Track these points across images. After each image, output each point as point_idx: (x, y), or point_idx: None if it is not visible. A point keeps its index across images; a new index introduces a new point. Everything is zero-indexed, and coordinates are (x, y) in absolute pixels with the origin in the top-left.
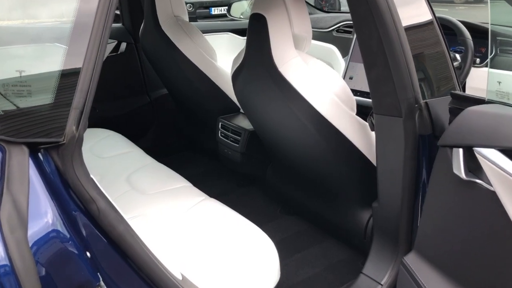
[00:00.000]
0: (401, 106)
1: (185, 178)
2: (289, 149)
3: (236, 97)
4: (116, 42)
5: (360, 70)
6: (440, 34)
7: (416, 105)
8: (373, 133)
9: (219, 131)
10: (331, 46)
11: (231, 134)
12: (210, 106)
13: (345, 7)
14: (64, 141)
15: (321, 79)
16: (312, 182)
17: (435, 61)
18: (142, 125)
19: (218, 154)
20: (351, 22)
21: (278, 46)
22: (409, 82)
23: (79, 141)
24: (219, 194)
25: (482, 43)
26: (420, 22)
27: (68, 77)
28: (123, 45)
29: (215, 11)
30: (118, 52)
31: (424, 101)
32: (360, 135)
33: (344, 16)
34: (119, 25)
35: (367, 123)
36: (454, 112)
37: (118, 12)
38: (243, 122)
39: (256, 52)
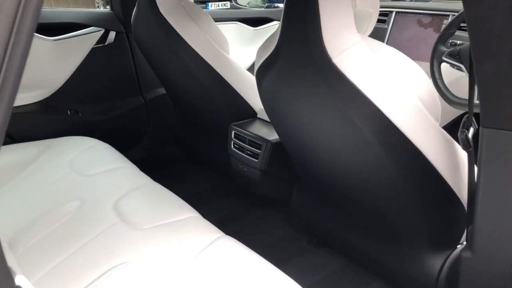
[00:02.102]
0: None
1: (188, 196)
2: (337, 169)
3: (261, 97)
4: (103, 31)
5: None
6: None
7: None
8: (463, 154)
9: (232, 142)
10: None
11: (248, 146)
12: (219, 109)
13: None
14: None
15: (400, 76)
16: (359, 212)
17: None
18: (134, 132)
19: (230, 170)
20: (385, 10)
21: (332, 28)
22: None
23: None
24: (229, 218)
25: None
26: None
27: None
28: (112, 35)
29: (212, 6)
30: (106, 43)
31: None
32: (446, 156)
33: None
34: (107, 10)
35: (452, 140)
36: None
37: None
38: (263, 131)
39: (298, 38)
